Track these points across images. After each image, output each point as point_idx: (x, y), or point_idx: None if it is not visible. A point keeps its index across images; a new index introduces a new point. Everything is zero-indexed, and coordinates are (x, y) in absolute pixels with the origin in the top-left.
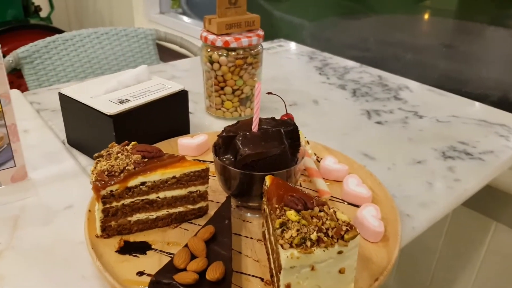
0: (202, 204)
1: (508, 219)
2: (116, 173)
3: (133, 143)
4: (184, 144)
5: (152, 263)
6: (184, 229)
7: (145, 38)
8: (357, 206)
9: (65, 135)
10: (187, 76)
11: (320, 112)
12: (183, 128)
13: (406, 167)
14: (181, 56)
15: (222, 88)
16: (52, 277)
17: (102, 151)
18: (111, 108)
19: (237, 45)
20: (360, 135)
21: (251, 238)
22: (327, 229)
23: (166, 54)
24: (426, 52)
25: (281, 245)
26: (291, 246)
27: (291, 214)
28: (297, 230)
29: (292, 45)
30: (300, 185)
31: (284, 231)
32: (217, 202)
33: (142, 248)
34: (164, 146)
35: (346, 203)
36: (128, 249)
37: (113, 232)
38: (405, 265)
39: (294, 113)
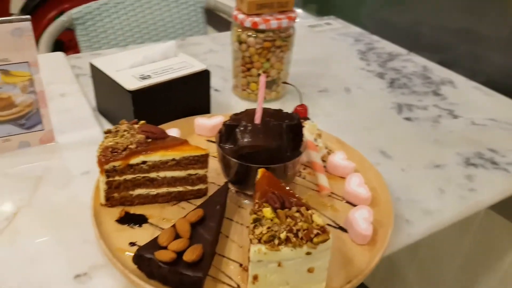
0: (201, 186)
1: None
2: (119, 151)
3: (141, 122)
4: (200, 124)
5: (145, 235)
6: (182, 207)
7: (194, 5)
8: (355, 206)
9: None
10: (223, 50)
11: (349, 102)
12: (203, 108)
13: (422, 170)
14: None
15: (248, 70)
16: (59, 238)
17: (112, 127)
18: (132, 83)
19: (265, 27)
20: (384, 130)
21: (242, 224)
22: (298, 230)
23: (217, 21)
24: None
25: (250, 240)
26: (259, 242)
27: (267, 211)
28: (268, 228)
29: (341, 24)
30: (304, 178)
31: (256, 227)
32: (219, 185)
33: (139, 220)
34: (182, 124)
35: (344, 201)
36: (127, 219)
37: (116, 203)
38: (428, 262)
39: (323, 101)
